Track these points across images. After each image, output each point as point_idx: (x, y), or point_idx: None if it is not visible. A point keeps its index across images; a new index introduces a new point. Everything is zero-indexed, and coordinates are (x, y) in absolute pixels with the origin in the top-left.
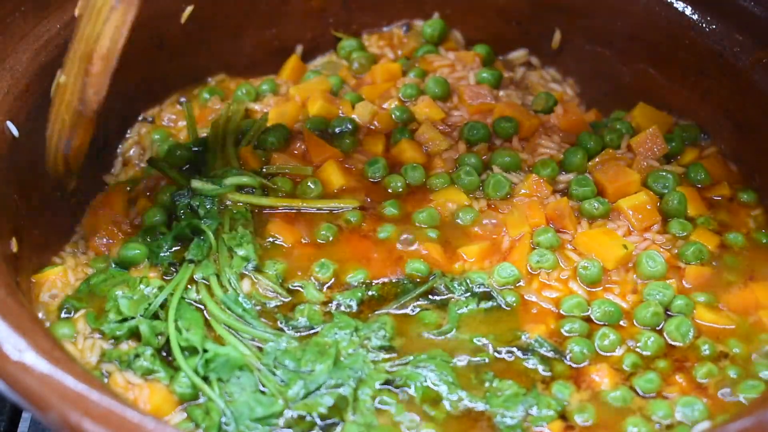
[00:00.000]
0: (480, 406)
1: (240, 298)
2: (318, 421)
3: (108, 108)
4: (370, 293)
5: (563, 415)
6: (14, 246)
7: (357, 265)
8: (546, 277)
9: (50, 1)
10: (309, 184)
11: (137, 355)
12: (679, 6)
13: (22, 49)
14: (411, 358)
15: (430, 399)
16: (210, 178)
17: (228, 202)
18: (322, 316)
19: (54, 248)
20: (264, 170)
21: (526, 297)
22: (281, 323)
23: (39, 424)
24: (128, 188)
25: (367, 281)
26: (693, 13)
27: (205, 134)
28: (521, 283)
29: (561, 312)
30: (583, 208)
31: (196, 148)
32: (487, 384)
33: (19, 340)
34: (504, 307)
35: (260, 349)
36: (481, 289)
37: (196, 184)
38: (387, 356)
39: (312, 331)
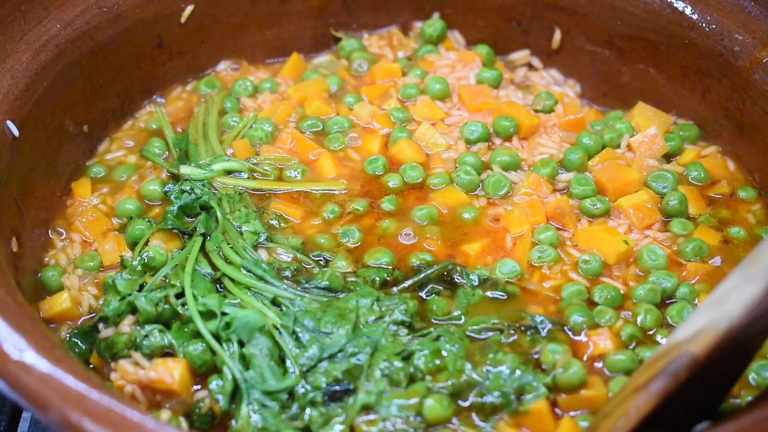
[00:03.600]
0: (478, 378)
1: (260, 262)
2: (332, 388)
3: (106, 108)
4: (394, 275)
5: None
6: (14, 246)
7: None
8: (548, 270)
9: (50, 1)
10: (294, 171)
11: (146, 336)
12: (679, 6)
13: (22, 49)
14: (427, 331)
15: (435, 370)
16: (198, 165)
17: (217, 184)
18: (343, 282)
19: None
20: (252, 159)
21: (528, 287)
22: (304, 282)
23: (39, 423)
24: (99, 173)
25: (393, 265)
26: (693, 13)
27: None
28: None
29: (562, 298)
30: (583, 207)
31: (178, 148)
32: (490, 355)
33: (19, 340)
34: (508, 295)
35: (281, 311)
36: (488, 284)
37: (184, 170)
38: (406, 331)
39: (333, 295)
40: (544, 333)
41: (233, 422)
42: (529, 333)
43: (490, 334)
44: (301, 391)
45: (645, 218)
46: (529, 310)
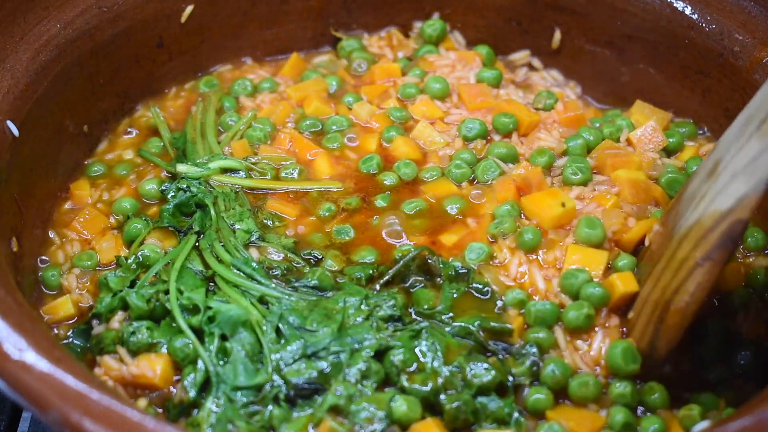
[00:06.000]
0: (455, 387)
1: (249, 261)
2: (302, 385)
3: (106, 108)
4: (379, 270)
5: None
6: (14, 246)
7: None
8: (503, 243)
9: (50, 1)
10: (291, 170)
11: (133, 332)
12: (679, 6)
13: (22, 49)
14: (410, 323)
15: (412, 370)
16: (195, 163)
17: (214, 182)
18: (332, 281)
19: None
20: (250, 158)
21: (500, 278)
22: (293, 281)
23: (39, 423)
24: (97, 171)
25: (378, 262)
26: (693, 13)
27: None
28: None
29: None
30: (564, 176)
31: (175, 147)
32: (471, 365)
33: (19, 340)
34: (483, 294)
35: (267, 308)
36: (462, 273)
37: (181, 168)
38: (394, 326)
39: (321, 294)
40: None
41: (195, 411)
42: (508, 355)
43: (473, 340)
44: (268, 388)
45: (638, 195)
46: (509, 321)
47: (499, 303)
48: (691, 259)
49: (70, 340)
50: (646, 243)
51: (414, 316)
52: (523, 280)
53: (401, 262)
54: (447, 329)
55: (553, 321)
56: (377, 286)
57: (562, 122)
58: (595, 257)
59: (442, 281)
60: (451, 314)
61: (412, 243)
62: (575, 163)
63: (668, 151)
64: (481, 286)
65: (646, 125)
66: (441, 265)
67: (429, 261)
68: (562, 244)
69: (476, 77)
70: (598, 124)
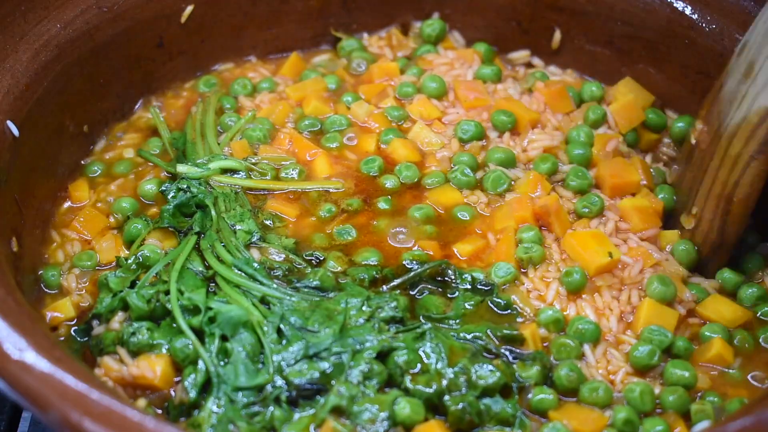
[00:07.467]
0: (459, 389)
1: (251, 261)
2: (305, 386)
3: (105, 108)
4: (383, 273)
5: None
6: (14, 246)
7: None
8: (534, 273)
9: (50, 1)
10: (291, 170)
11: (133, 333)
12: (679, 6)
13: (22, 49)
14: (413, 325)
15: (416, 371)
16: (195, 164)
17: (214, 182)
18: (334, 282)
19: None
20: (250, 159)
21: (520, 301)
22: (295, 281)
23: (39, 423)
24: (97, 171)
25: (380, 263)
26: (693, 13)
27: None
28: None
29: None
30: (576, 209)
31: (175, 147)
32: (476, 367)
33: (19, 340)
34: (502, 309)
35: (269, 309)
36: (484, 287)
37: (181, 168)
38: (395, 328)
39: (323, 295)
40: (531, 372)
41: (195, 412)
42: (516, 360)
43: (480, 342)
44: (270, 389)
45: (645, 222)
46: (524, 333)
47: (520, 320)
48: (744, 155)
49: (70, 337)
50: (692, 142)
51: (420, 320)
52: (560, 308)
53: (414, 272)
54: (452, 334)
55: (591, 340)
56: (385, 289)
57: (546, 99)
58: (668, 316)
59: (457, 293)
60: (458, 320)
61: (423, 250)
62: (577, 177)
63: (650, 128)
64: (502, 302)
65: (625, 101)
66: (459, 278)
67: (447, 271)
68: (615, 295)
69: (474, 75)
70: (571, 94)
